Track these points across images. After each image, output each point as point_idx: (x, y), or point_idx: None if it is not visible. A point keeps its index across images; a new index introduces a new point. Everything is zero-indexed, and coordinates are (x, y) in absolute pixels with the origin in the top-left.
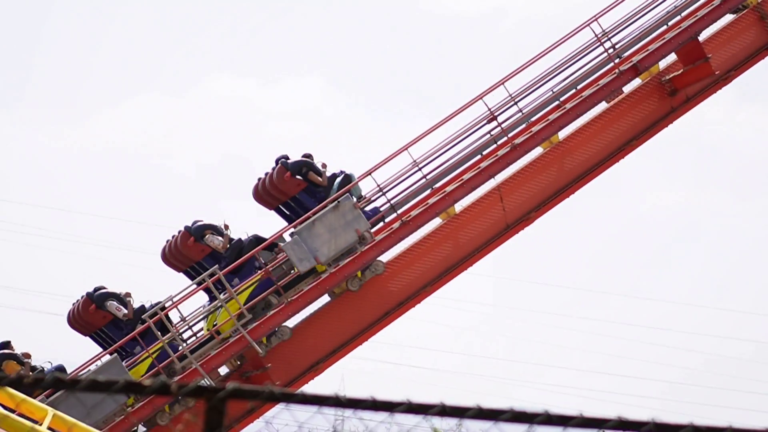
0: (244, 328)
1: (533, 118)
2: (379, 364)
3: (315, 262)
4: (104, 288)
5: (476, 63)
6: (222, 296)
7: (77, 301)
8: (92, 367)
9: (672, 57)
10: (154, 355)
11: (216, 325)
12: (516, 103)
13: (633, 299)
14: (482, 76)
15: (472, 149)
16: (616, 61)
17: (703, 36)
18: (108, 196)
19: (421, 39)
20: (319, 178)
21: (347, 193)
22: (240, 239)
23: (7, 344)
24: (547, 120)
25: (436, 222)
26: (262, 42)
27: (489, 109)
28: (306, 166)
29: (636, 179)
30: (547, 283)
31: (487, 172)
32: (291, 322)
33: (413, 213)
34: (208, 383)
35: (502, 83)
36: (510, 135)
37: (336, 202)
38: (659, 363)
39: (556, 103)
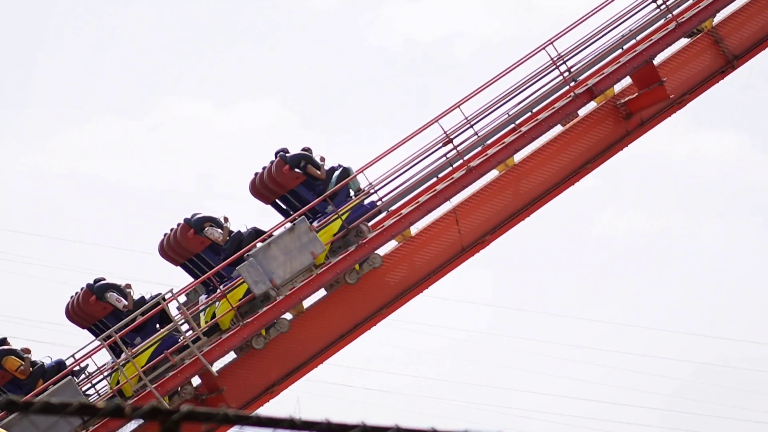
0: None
1: (489, 141)
2: (335, 386)
3: (270, 285)
4: (104, 279)
5: (432, 87)
6: (176, 319)
7: (76, 293)
8: (88, 361)
9: (627, 80)
10: (153, 348)
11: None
12: (472, 126)
13: (602, 323)
14: (438, 100)
15: (427, 172)
16: (572, 84)
17: (658, 60)
18: (73, 220)
19: (377, 63)
20: (318, 172)
21: (344, 189)
22: (239, 231)
23: (3, 341)
24: (503, 143)
25: (392, 244)
26: (218, 67)
27: (445, 132)
28: (305, 159)
29: (592, 202)
30: (512, 307)
31: (442, 194)
32: (287, 317)
33: (369, 236)
34: (163, 405)
35: (458, 106)
36: (466, 158)
37: (291, 224)
38: (633, 389)
39: (512, 126)
